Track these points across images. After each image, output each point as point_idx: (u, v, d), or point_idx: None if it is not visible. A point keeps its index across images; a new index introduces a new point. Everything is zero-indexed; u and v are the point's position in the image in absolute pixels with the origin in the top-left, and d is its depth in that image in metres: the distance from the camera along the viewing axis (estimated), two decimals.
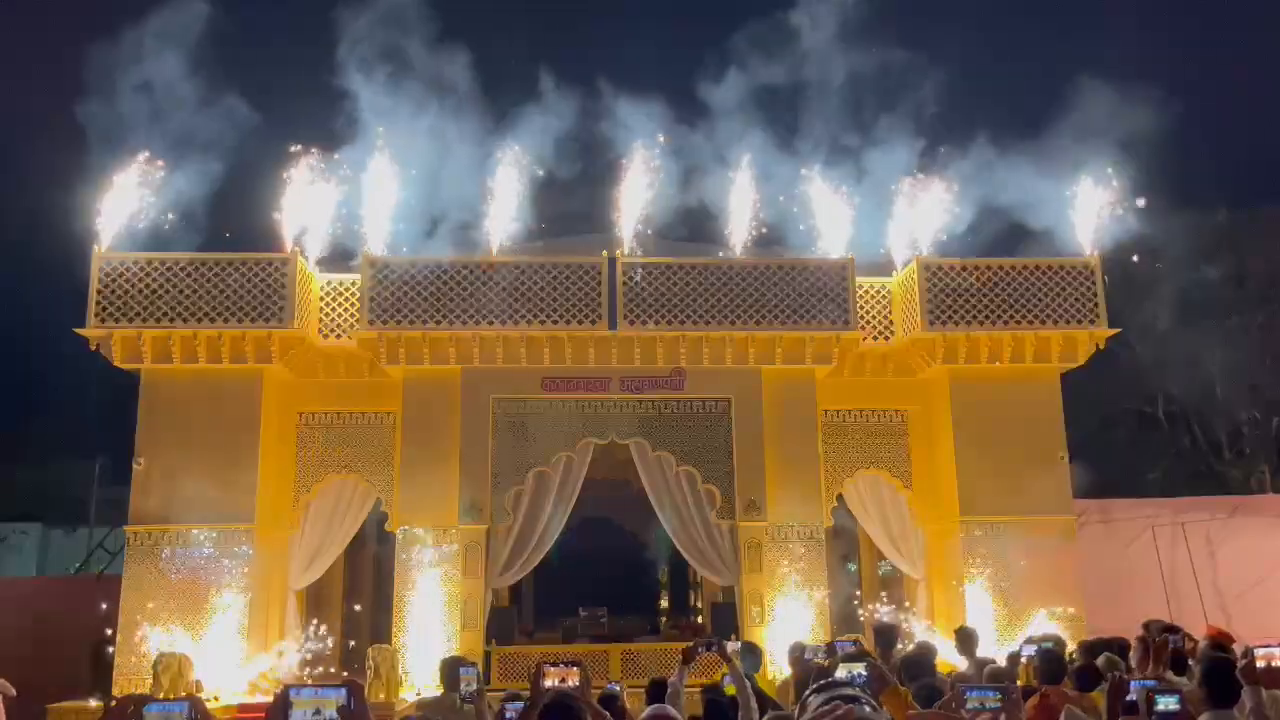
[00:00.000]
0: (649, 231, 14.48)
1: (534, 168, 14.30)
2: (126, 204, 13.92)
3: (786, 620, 13.64)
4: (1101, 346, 14.60)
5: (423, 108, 14.35)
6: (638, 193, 14.43)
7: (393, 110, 14.32)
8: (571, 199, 15.62)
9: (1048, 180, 14.85)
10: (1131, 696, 4.27)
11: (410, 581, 13.56)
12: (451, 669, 6.56)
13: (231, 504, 13.43)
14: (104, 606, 13.19)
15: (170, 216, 13.90)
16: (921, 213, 15.06)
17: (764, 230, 15.01)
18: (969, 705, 4.34)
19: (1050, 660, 6.84)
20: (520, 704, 5.44)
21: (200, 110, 14.40)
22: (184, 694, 11.49)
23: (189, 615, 13.11)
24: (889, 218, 15.30)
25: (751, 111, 15.58)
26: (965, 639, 9.39)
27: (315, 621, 13.72)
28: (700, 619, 15.69)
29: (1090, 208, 14.95)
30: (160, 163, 13.94)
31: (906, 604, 14.99)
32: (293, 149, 14.12)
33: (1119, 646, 7.82)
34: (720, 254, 14.64)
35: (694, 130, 15.66)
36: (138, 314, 13.55)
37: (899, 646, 9.60)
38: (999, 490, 14.21)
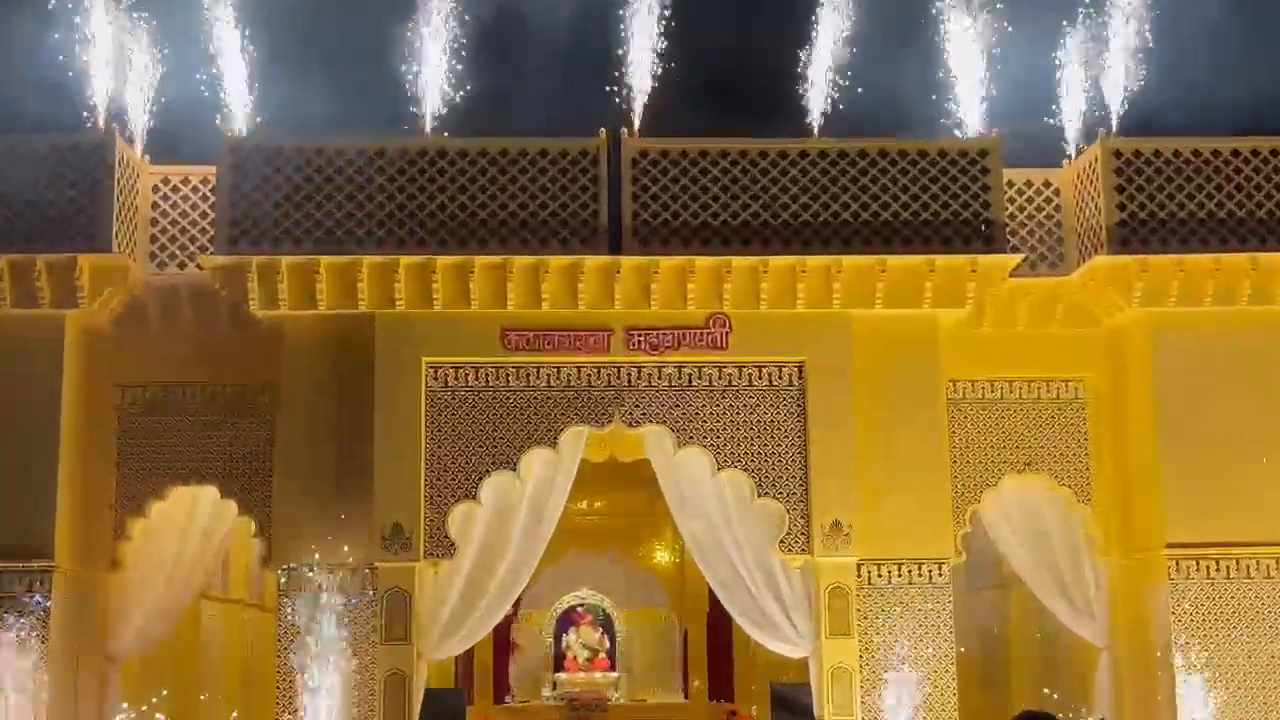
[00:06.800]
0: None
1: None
2: None
3: (893, 715, 11.27)
4: None
5: None
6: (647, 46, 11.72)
7: None
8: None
9: None
10: None
11: (295, 649, 10.92)
12: None
13: (16, 531, 11.03)
14: None
15: None
16: (1104, 74, 12.28)
17: (851, 105, 12.24)
18: None
19: None
20: None
21: None
22: None
23: None
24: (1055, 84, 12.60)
25: None
26: None
27: (144, 709, 11.42)
28: (754, 710, 13.32)
29: None
30: None
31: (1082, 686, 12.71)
32: None
33: None
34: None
35: None
36: None
37: None
38: (1230, 506, 11.62)
